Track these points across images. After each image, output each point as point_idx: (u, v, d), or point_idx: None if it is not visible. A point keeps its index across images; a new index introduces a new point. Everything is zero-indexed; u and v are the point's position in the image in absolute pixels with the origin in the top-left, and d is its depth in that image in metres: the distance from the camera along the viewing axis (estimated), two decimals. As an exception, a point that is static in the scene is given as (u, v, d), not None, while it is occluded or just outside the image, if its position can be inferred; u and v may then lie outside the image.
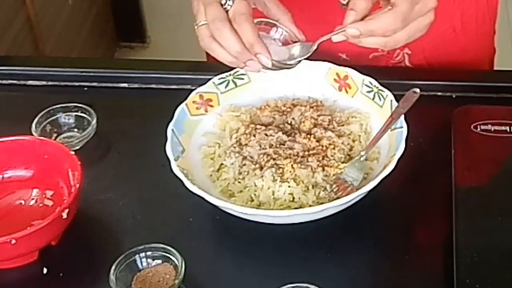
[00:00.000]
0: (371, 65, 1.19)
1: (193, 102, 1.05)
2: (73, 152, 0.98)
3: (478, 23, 1.21)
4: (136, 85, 1.20)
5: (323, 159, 0.97)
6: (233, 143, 1.01)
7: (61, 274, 0.93)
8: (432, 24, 0.94)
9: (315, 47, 0.96)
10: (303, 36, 0.97)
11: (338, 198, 0.91)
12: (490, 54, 1.30)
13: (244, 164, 0.98)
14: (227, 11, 0.91)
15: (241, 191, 0.96)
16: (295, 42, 0.97)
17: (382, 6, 0.93)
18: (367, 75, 1.05)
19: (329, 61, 1.08)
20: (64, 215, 0.91)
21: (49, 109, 1.10)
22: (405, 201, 0.99)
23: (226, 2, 0.92)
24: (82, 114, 1.10)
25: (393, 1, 0.91)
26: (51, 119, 1.10)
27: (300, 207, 0.93)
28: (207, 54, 1.10)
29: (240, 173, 0.98)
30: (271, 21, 0.97)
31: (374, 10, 0.93)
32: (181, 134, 1.01)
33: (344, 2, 1.11)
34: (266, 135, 1.00)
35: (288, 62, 0.95)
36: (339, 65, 1.07)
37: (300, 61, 0.96)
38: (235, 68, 1.08)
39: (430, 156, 1.04)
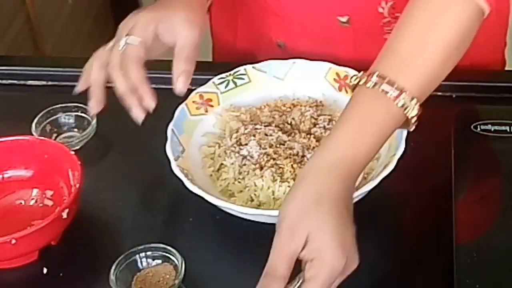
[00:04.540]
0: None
1: (193, 102, 1.06)
2: (73, 152, 0.98)
3: (488, 37, 1.19)
4: (136, 85, 1.20)
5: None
6: (233, 143, 1.00)
7: (61, 274, 0.93)
8: None
9: None
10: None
11: (338, 198, 0.91)
12: (500, 67, 1.28)
13: (244, 164, 0.98)
14: None
15: (241, 191, 0.96)
16: None
17: None
18: (367, 75, 1.04)
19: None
20: (64, 215, 0.91)
21: (49, 109, 1.10)
22: (405, 201, 0.99)
23: (120, 45, 0.94)
24: (82, 114, 1.11)
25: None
26: (51, 119, 1.10)
27: (300, 207, 0.93)
28: (213, 53, 1.09)
29: (240, 173, 0.97)
30: None
31: None
32: (181, 134, 1.01)
33: (344, 20, 1.11)
34: (266, 135, 1.00)
35: None
36: (339, 65, 1.07)
37: None
38: (234, 69, 1.08)
39: (430, 156, 1.04)
